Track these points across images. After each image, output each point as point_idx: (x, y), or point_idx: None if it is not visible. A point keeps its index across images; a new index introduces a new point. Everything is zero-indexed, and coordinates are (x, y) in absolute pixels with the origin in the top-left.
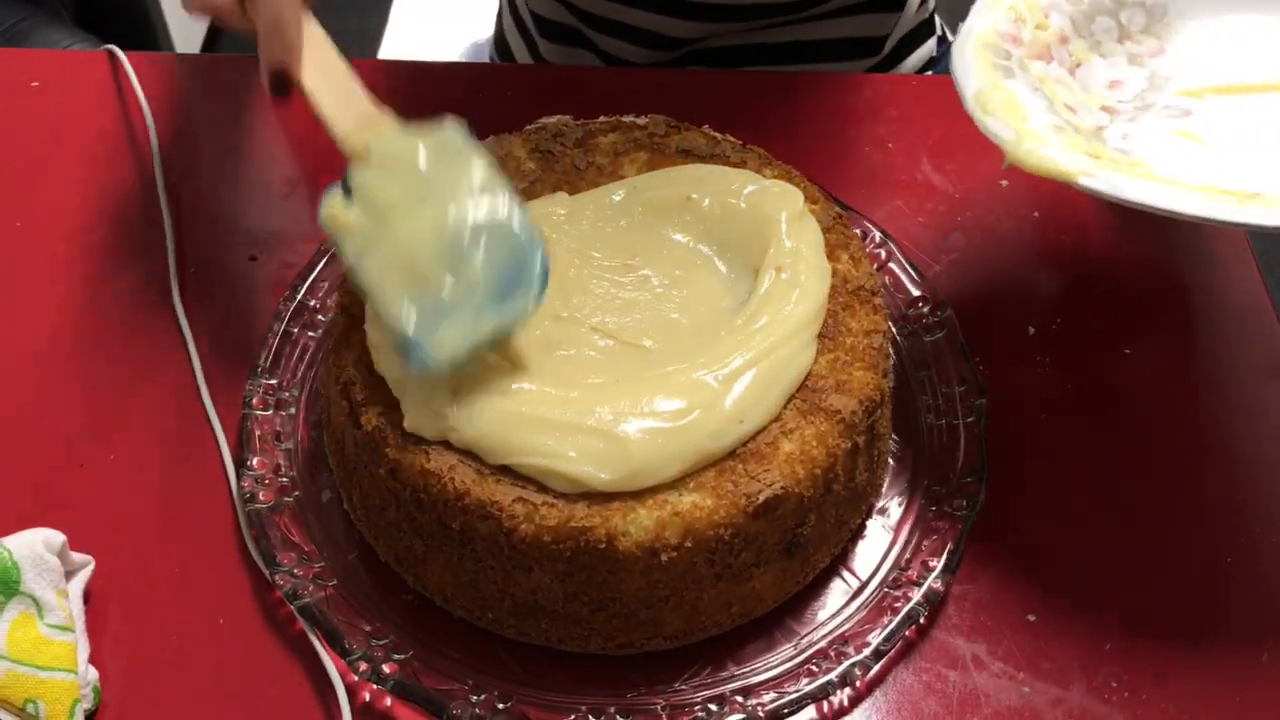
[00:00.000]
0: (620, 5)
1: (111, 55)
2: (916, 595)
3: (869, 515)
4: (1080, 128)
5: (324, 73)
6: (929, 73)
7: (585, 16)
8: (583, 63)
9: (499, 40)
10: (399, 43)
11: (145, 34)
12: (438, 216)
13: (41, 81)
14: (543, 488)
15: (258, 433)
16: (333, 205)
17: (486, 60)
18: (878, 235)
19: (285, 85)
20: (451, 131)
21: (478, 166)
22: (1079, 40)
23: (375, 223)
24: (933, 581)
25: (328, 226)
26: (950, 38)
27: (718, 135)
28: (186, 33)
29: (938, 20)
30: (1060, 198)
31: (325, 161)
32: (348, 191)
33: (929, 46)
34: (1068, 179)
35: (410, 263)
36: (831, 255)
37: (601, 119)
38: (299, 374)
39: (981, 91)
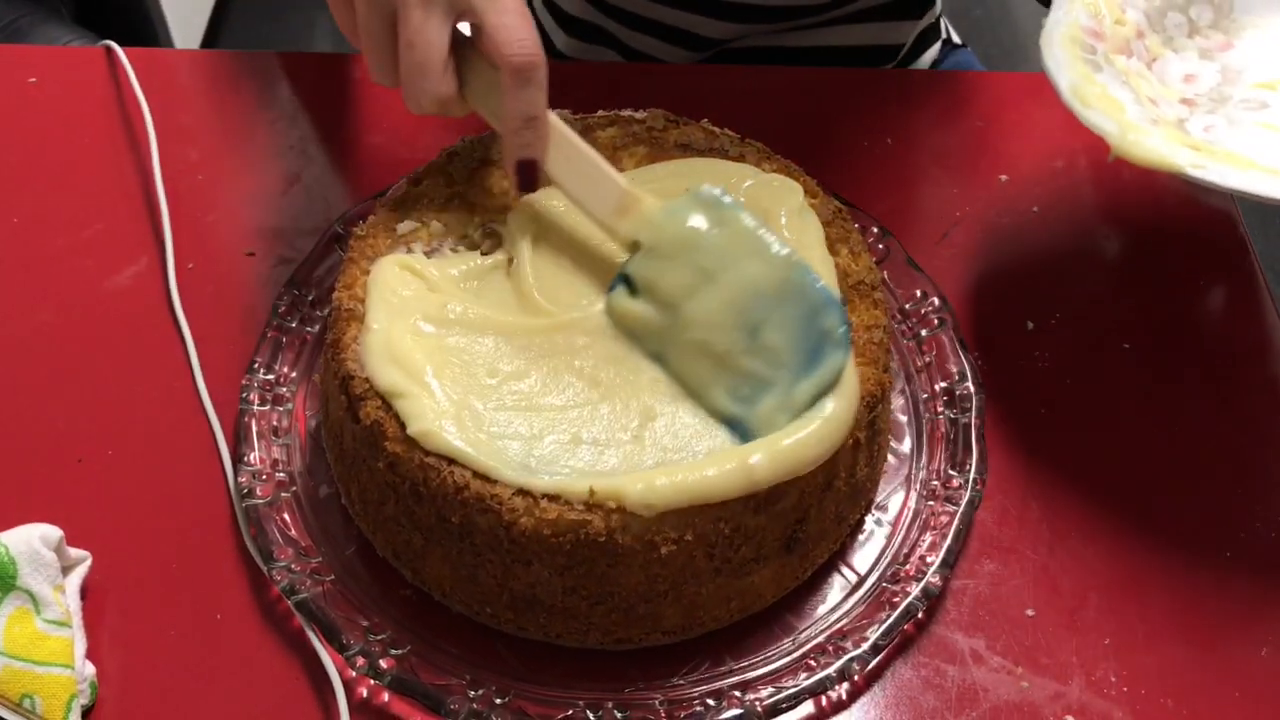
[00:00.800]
0: (655, 3)
1: (109, 51)
2: (915, 590)
3: (868, 511)
4: (1164, 120)
5: (569, 159)
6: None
7: (616, 13)
8: (604, 60)
9: None
10: None
11: (144, 30)
12: (725, 296)
13: (39, 78)
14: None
15: (255, 428)
16: (622, 302)
17: None
18: (876, 230)
19: (534, 180)
20: (711, 196)
21: (749, 232)
22: (1153, 35)
23: (667, 315)
24: (931, 576)
25: (619, 322)
26: (954, 39)
27: (716, 130)
28: (185, 29)
29: (944, 24)
30: (1059, 194)
31: (323, 157)
32: (628, 283)
33: (934, 51)
34: (1176, 170)
35: (711, 348)
36: (831, 249)
37: (600, 113)
38: (296, 369)
39: (1076, 84)
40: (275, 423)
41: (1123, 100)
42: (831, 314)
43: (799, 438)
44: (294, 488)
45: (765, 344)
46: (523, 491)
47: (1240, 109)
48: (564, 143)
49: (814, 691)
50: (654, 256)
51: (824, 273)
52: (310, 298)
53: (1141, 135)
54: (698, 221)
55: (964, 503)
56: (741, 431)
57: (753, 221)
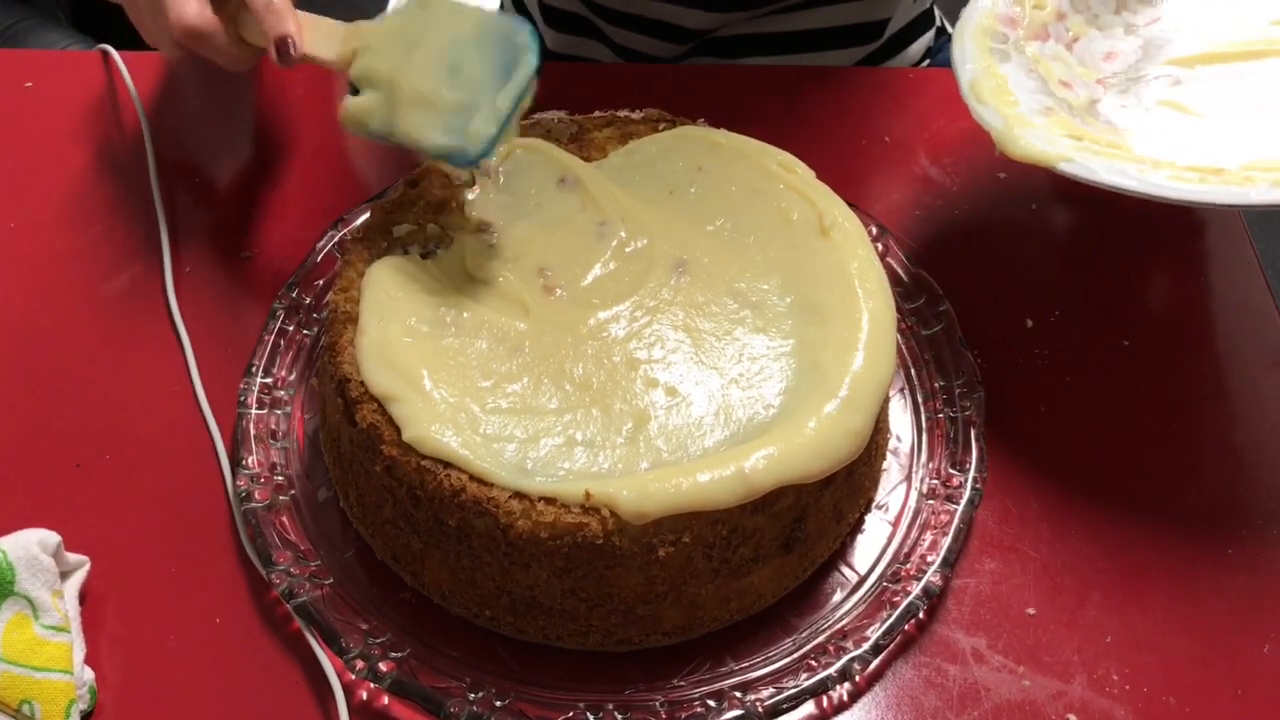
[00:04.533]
0: None
1: (105, 55)
2: (916, 589)
3: (867, 509)
4: (1074, 103)
5: (308, 28)
6: (926, 63)
7: (599, 10)
8: (592, 54)
9: None
10: None
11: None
12: (427, 51)
13: (35, 81)
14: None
15: (253, 431)
16: (348, 104)
17: None
18: (875, 228)
19: (289, 49)
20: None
21: (449, 4)
22: (1075, 16)
23: (385, 93)
24: (931, 575)
25: (350, 123)
26: (949, 29)
27: (713, 130)
28: None
29: (937, 12)
30: (1058, 191)
31: (320, 161)
32: (355, 92)
33: (927, 38)
34: (1048, 164)
35: (423, 97)
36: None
37: (596, 113)
38: (294, 372)
39: (975, 79)
40: (273, 426)
41: (1021, 91)
42: (519, 32)
43: (800, 445)
44: (292, 491)
45: (465, 77)
46: (519, 494)
47: (1153, 86)
48: (300, 15)
49: (815, 692)
50: (367, 53)
51: (876, 281)
52: (308, 301)
53: (1025, 129)
54: (402, 15)
55: (964, 501)
56: (459, 158)
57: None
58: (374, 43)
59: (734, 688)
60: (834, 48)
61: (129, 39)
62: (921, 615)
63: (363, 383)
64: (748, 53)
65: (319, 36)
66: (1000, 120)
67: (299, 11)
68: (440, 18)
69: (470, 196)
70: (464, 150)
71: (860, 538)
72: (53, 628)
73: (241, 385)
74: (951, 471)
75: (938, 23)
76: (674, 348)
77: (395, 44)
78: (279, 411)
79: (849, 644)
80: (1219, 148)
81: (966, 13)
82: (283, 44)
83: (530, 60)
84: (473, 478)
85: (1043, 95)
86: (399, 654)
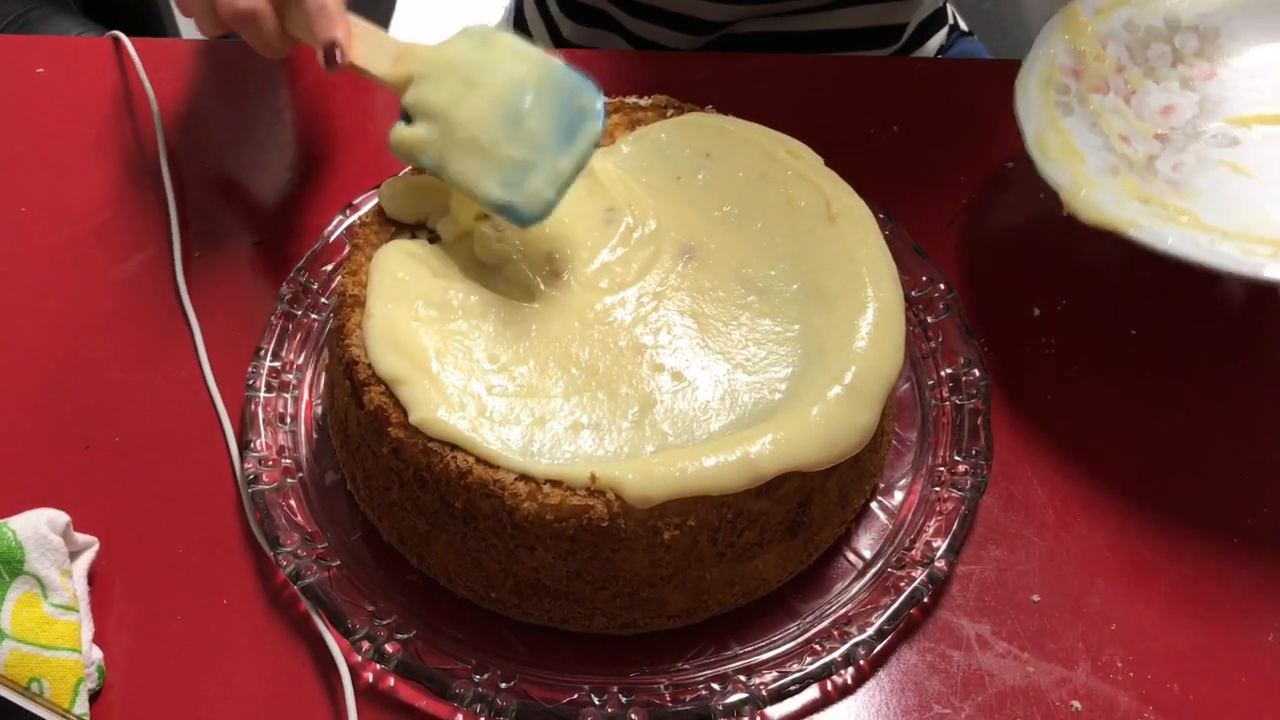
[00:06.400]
0: None
1: (116, 41)
2: (920, 575)
3: (873, 495)
4: (1134, 160)
5: (359, 37)
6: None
7: (620, 1)
8: (609, 45)
9: (517, 23)
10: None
11: (152, 23)
12: (488, 94)
13: (47, 68)
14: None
15: (261, 414)
16: (399, 132)
17: None
18: (882, 216)
19: (337, 56)
20: (478, 27)
21: (506, 42)
22: (1135, 68)
23: (438, 127)
24: (937, 561)
25: (400, 152)
26: (962, 26)
27: (721, 116)
28: (191, 23)
29: (950, 10)
30: None
31: (329, 146)
32: (407, 119)
33: (940, 36)
34: (1118, 230)
35: (479, 143)
36: None
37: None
38: (302, 356)
39: (1040, 133)
40: (281, 409)
41: (1087, 148)
42: (585, 92)
43: (806, 430)
44: (300, 474)
45: (527, 130)
46: (525, 477)
47: (1210, 145)
48: (351, 21)
49: (819, 676)
50: (423, 82)
51: (884, 268)
52: (316, 286)
53: (1093, 190)
54: (463, 44)
55: (969, 488)
56: (514, 215)
57: (515, 39)
58: (429, 69)
59: (738, 671)
60: (852, 49)
61: (140, 27)
62: (926, 601)
63: (370, 365)
64: (767, 51)
65: (369, 48)
66: (1068, 179)
67: (352, 17)
68: (502, 59)
69: None
70: (521, 209)
71: (865, 523)
72: (61, 606)
73: (250, 369)
74: (957, 458)
75: (950, 20)
76: (680, 333)
77: (452, 77)
78: (287, 395)
79: (853, 629)
80: (1276, 214)
81: (1029, 61)
82: (330, 50)
83: (597, 127)
84: (479, 460)
85: (1107, 153)
86: (405, 635)
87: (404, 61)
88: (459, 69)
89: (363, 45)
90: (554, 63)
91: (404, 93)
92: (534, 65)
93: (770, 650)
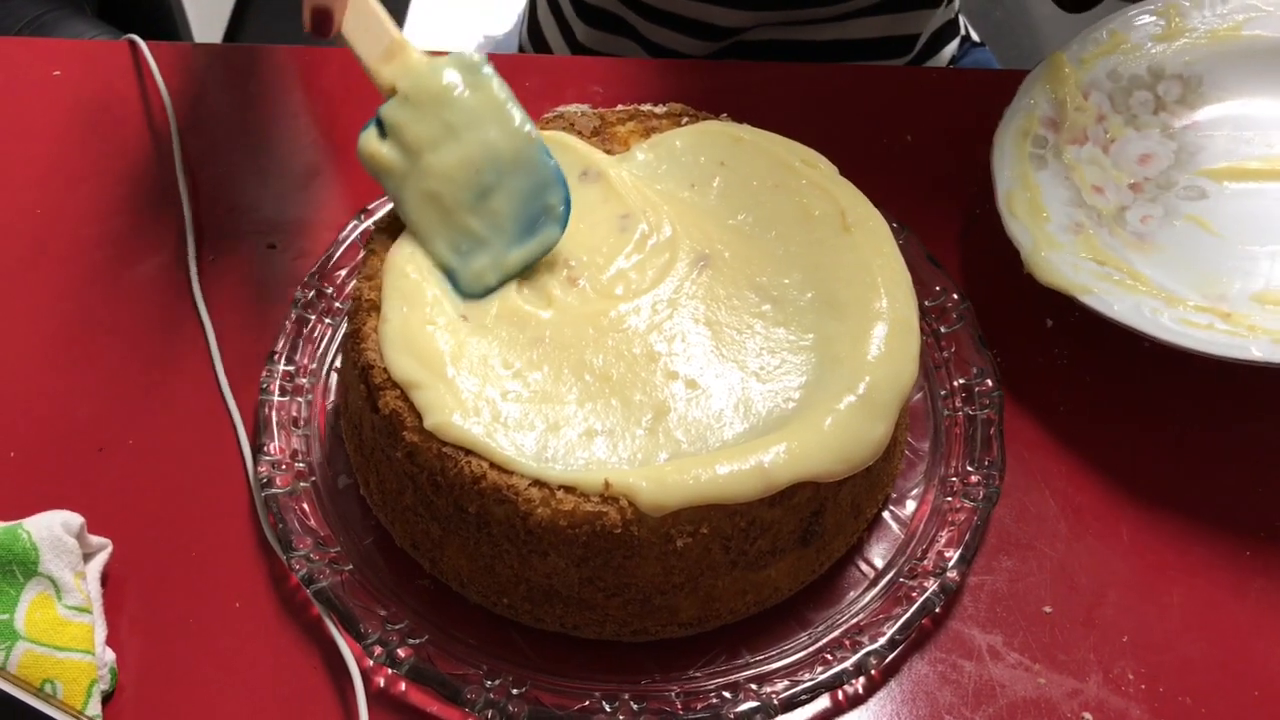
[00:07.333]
0: None
1: (132, 44)
2: (932, 585)
3: (885, 505)
4: (1104, 211)
5: (354, 9)
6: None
7: (635, 5)
8: (625, 51)
9: (531, 26)
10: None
11: (166, 25)
12: (461, 154)
13: (63, 70)
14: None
15: (275, 418)
16: (370, 143)
17: (515, 50)
18: (895, 226)
19: (326, 25)
20: (470, 60)
21: (498, 102)
22: (1116, 116)
23: (408, 160)
24: (949, 572)
25: (366, 162)
26: (974, 37)
27: (736, 124)
28: (206, 24)
29: (962, 20)
30: None
31: (344, 151)
32: (380, 126)
33: (952, 47)
34: (1071, 294)
35: (441, 200)
36: None
37: (619, 107)
38: (316, 360)
39: (1010, 191)
40: (295, 413)
41: (1052, 204)
42: (556, 192)
43: (820, 440)
44: (313, 478)
45: (491, 207)
46: (539, 483)
47: (1180, 198)
48: None
49: (830, 685)
50: (407, 104)
51: (899, 278)
52: (330, 290)
53: (1052, 251)
54: (453, 79)
55: (982, 499)
56: (452, 280)
57: (504, 93)
58: (415, 89)
59: (749, 680)
60: (865, 59)
61: (154, 30)
62: (938, 611)
63: (385, 369)
64: (782, 60)
65: (362, 27)
66: (1030, 240)
67: None
68: (486, 118)
69: None
70: (459, 280)
71: (878, 533)
72: (75, 608)
73: (264, 372)
74: (970, 469)
75: (962, 31)
76: (694, 340)
77: (436, 115)
78: (301, 399)
79: (865, 639)
80: (1234, 273)
81: (1009, 113)
82: (318, 15)
83: (556, 234)
84: (493, 465)
85: (1074, 208)
86: (417, 640)
87: (394, 62)
88: (444, 107)
89: (354, 21)
90: (535, 140)
91: (386, 96)
92: (514, 139)
93: (782, 659)
